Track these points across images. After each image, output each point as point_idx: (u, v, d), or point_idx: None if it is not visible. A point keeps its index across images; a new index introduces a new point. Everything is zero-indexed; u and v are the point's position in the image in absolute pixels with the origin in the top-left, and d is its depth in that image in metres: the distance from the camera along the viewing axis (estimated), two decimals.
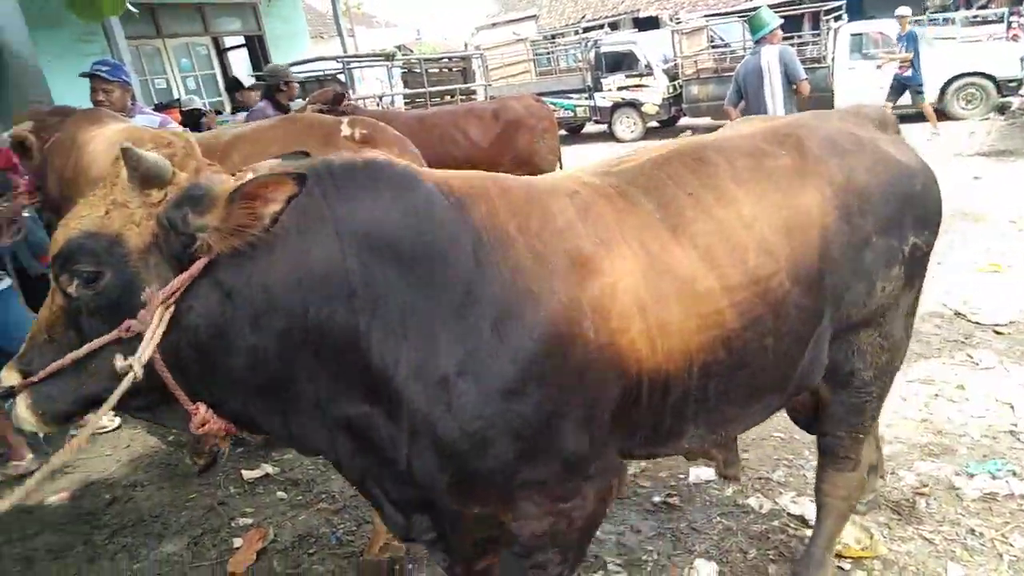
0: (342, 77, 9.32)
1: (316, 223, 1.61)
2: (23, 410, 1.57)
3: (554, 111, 16.24)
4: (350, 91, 7.84)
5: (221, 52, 13.47)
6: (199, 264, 1.50)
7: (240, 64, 13.88)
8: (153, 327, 1.47)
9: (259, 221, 1.49)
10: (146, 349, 1.48)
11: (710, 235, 1.92)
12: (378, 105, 10.01)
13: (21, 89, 9.51)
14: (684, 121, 16.66)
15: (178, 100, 8.07)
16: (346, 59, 10.05)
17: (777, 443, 3.64)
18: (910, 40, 11.21)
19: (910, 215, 2.18)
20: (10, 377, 1.58)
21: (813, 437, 3.52)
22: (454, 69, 11.62)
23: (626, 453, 2.02)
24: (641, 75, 15.84)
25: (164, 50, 12.25)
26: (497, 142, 7.47)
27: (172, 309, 1.49)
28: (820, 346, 2.14)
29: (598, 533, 2.92)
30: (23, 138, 3.63)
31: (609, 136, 16.49)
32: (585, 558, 2.41)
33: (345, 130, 2.73)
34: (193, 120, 7.71)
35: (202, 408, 1.61)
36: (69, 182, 3.43)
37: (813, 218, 2.03)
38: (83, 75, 4.66)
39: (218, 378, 1.62)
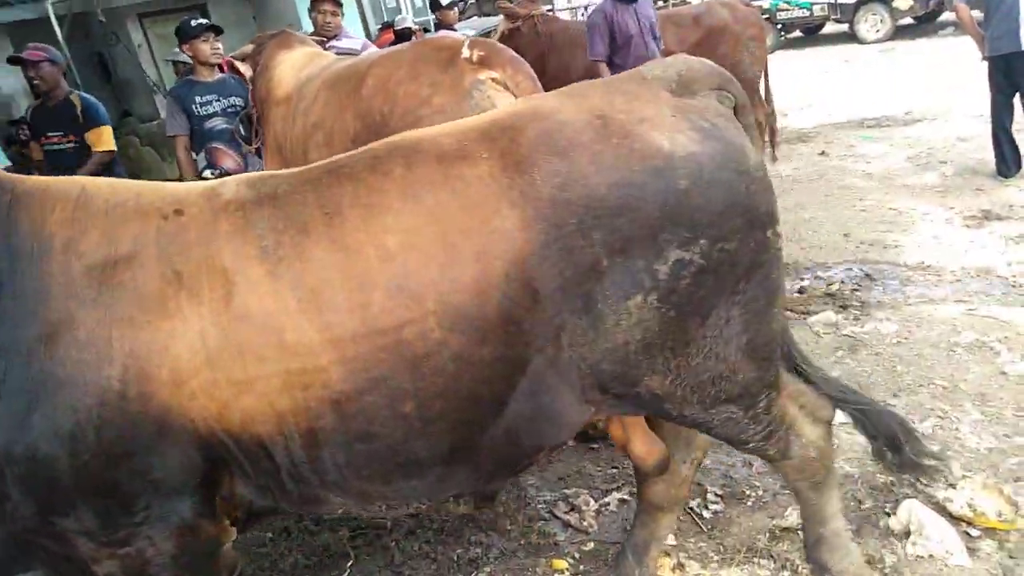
0: None
1: None
2: None
3: (787, 9, 15.10)
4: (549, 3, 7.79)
5: None
6: None
7: None
8: None
9: None
10: None
11: (324, 271, 1.59)
12: (578, 15, 9.79)
13: (279, 17, 10.68)
14: (946, 16, 14.34)
15: (389, 22, 8.58)
16: None
17: (935, 392, 3.30)
18: None
19: (670, 223, 1.64)
20: None
21: (979, 387, 3.22)
22: None
23: (271, 508, 1.84)
24: None
25: None
26: (695, 50, 7.06)
27: None
28: (543, 400, 1.72)
29: (707, 462, 2.97)
30: (231, 62, 4.19)
31: (851, 38, 14.70)
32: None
33: (464, 52, 2.87)
34: (406, 38, 8.17)
35: None
36: (262, 102, 3.92)
37: (502, 244, 1.60)
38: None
39: None
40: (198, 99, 4.63)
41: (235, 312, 1.57)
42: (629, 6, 5.52)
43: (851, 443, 3.07)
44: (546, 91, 2.19)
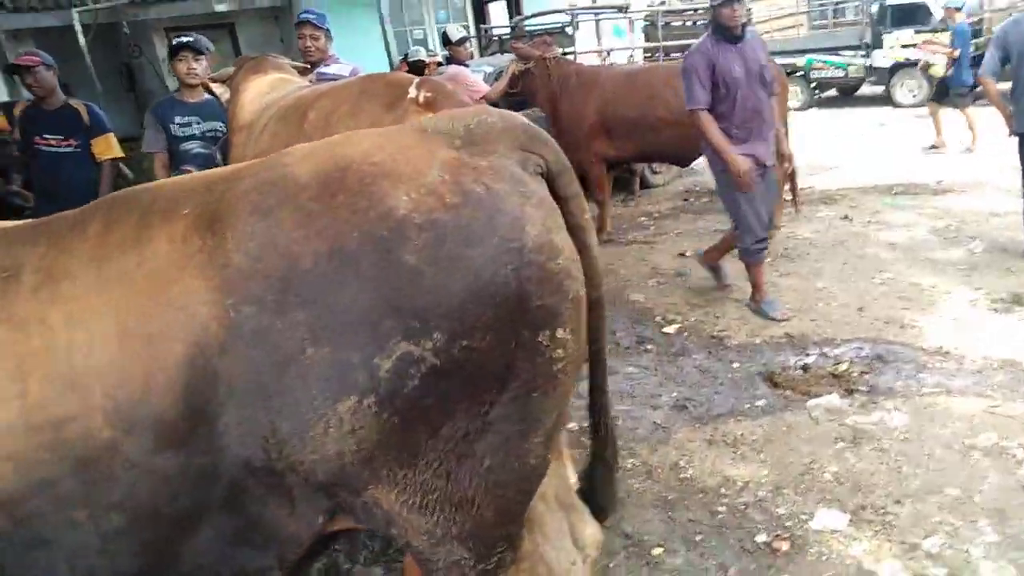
0: (569, 30, 9.12)
1: None
2: None
3: (822, 68, 14.85)
4: (557, 47, 7.60)
5: (480, 4, 13.93)
6: None
7: (500, 15, 14.28)
8: None
9: None
10: None
11: None
12: (602, 59, 9.63)
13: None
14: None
15: (406, 53, 8.49)
16: (574, 12, 9.81)
17: (945, 502, 2.88)
18: None
19: (394, 309, 1.28)
20: None
21: (997, 501, 2.80)
22: (699, 23, 10.77)
23: None
24: (934, 31, 13.51)
25: (424, 2, 12.97)
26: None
27: None
28: (251, 514, 1.42)
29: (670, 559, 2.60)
30: (207, 86, 3.99)
31: (887, 100, 14.41)
32: None
33: (412, 91, 2.58)
34: (418, 70, 8.04)
35: None
36: (229, 127, 3.70)
37: (184, 324, 1.30)
38: (297, 24, 4.98)
39: None
40: (177, 119, 4.47)
41: None
42: (733, 46, 4.62)
43: (841, 555, 2.67)
44: (558, 136, 1.93)
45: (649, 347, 4.68)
